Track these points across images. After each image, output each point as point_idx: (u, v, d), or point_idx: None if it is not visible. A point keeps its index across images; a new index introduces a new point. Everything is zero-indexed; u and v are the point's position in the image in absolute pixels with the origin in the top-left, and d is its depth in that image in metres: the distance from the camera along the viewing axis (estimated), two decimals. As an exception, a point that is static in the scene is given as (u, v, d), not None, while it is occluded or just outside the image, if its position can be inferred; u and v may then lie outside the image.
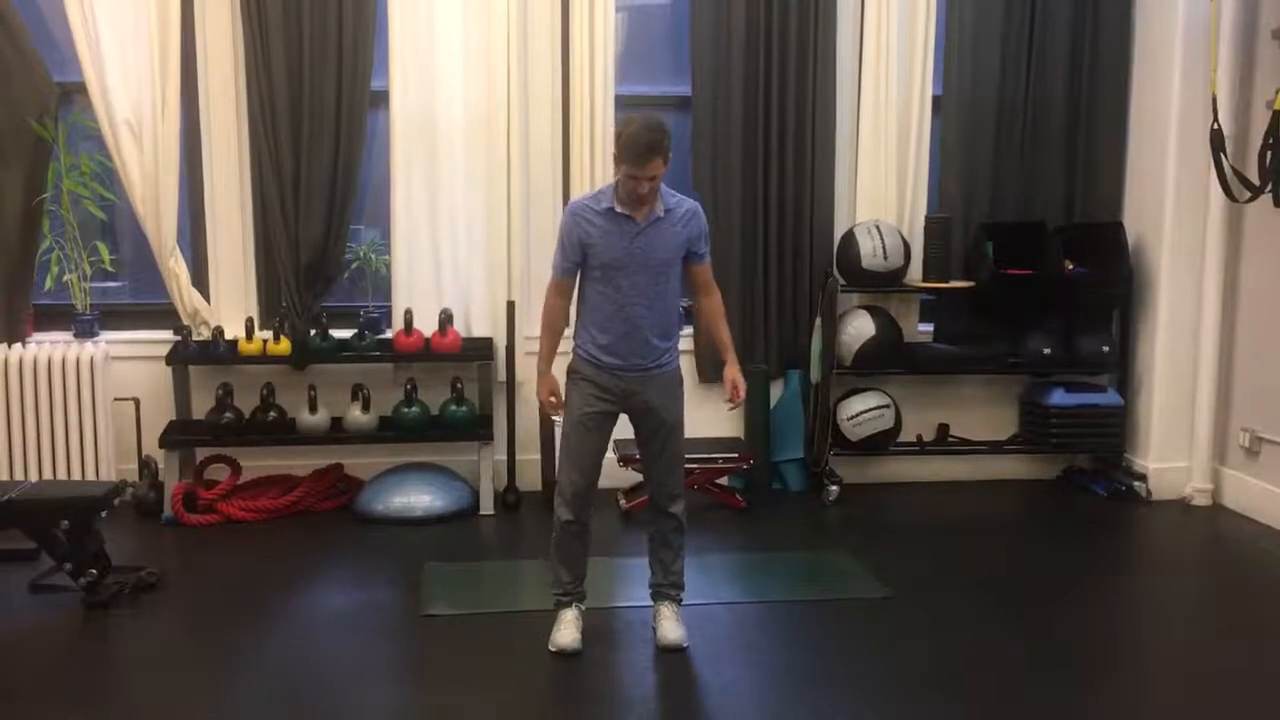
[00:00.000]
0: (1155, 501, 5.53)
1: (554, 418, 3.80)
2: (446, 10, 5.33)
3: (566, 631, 3.77)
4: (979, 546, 4.99)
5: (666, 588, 3.90)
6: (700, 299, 3.90)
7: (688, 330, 5.63)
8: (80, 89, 5.24)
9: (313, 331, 5.30)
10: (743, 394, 3.88)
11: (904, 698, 3.51)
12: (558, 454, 3.88)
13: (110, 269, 5.54)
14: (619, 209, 3.63)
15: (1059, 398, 5.64)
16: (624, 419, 3.83)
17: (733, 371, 3.86)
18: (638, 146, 3.48)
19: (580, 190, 5.41)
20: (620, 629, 3.98)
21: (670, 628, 3.82)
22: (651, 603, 3.94)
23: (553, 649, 3.74)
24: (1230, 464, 5.49)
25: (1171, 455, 5.59)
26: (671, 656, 3.76)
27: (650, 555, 3.93)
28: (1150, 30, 5.58)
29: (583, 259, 3.69)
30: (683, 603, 3.93)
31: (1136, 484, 5.57)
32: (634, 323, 3.66)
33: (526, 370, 5.41)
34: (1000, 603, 4.30)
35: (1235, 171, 5.06)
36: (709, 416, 5.58)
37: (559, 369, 3.83)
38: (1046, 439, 5.69)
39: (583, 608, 3.87)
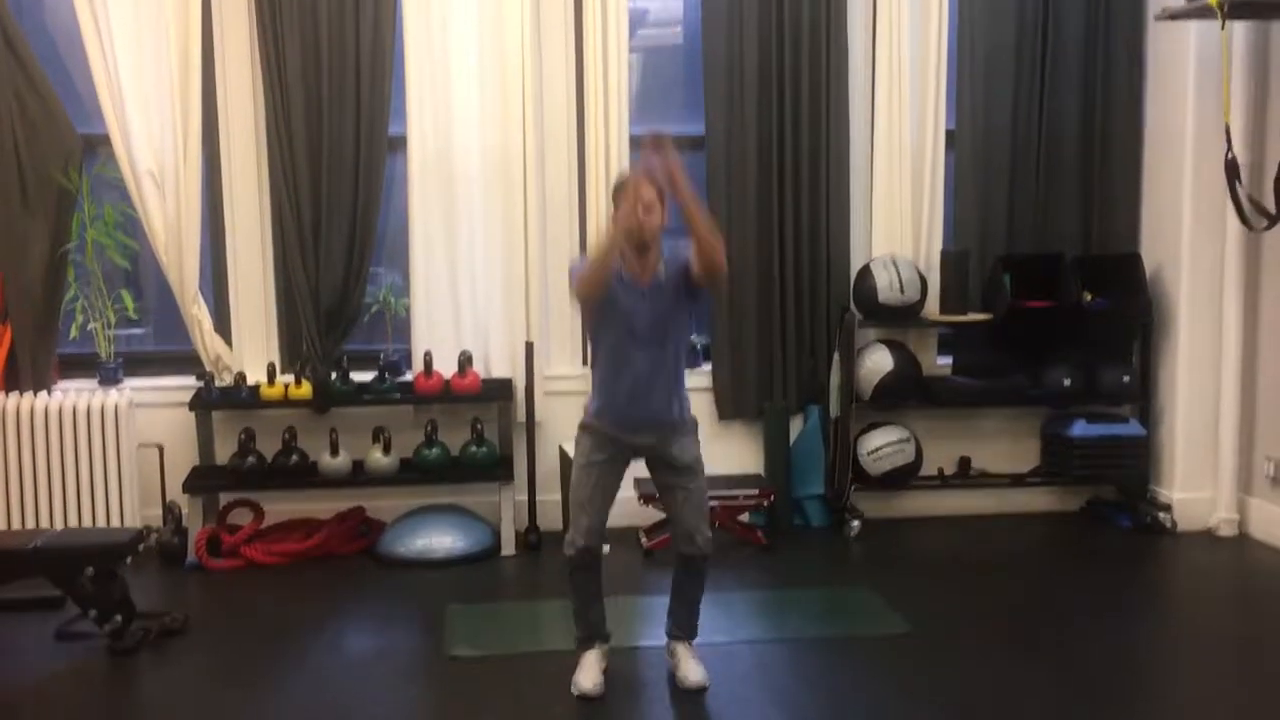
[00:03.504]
0: (1181, 532, 5.48)
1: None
2: (462, 56, 5.39)
3: (588, 675, 3.75)
4: (1003, 581, 4.96)
5: (687, 630, 3.90)
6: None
7: (705, 367, 5.65)
8: (104, 140, 5.32)
9: (333, 375, 5.33)
10: (664, 153, 3.53)
11: (930, 735, 3.49)
12: (569, 497, 3.89)
13: (134, 316, 5.60)
14: (626, 275, 3.67)
15: (1081, 429, 5.61)
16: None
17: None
18: (631, 175, 3.66)
19: (596, 229, 5.46)
20: (643, 668, 3.97)
21: (692, 668, 3.80)
22: (666, 637, 3.92)
23: (575, 692, 3.73)
24: (1256, 493, 5.44)
25: (1196, 485, 5.55)
26: (694, 696, 3.74)
27: (675, 597, 3.91)
28: (1162, 60, 5.59)
29: (596, 311, 3.72)
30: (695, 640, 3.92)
31: (1161, 515, 5.53)
32: (641, 384, 3.69)
33: (545, 410, 5.45)
34: (1025, 638, 4.27)
35: (1251, 200, 5.06)
36: (729, 453, 5.58)
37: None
38: (1069, 471, 5.66)
39: (606, 648, 3.85)
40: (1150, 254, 5.68)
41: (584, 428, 3.83)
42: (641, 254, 3.66)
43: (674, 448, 3.76)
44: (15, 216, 5.23)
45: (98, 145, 5.42)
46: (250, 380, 5.35)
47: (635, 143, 3.59)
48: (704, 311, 5.38)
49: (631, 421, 3.73)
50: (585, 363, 5.55)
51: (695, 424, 3.87)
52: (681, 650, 3.86)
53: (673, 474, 3.79)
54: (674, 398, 3.77)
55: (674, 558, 3.90)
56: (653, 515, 5.29)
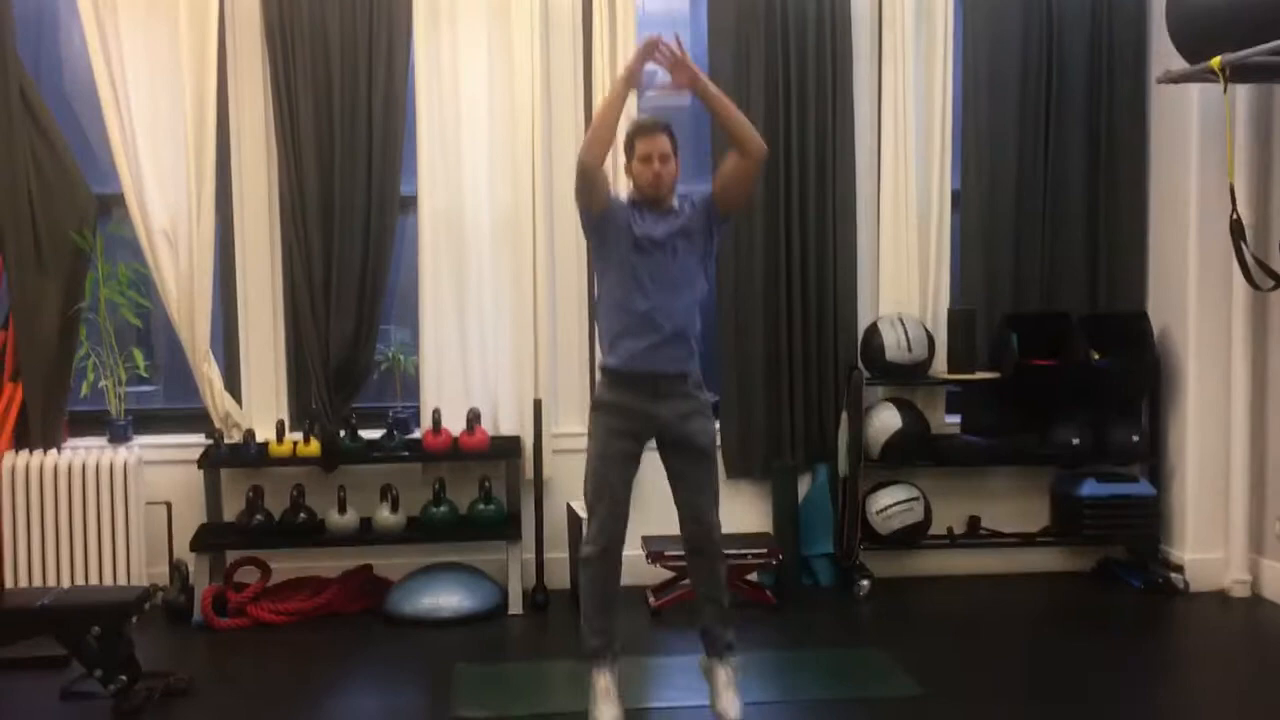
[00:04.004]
0: (1193, 593, 5.43)
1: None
2: (473, 116, 5.47)
3: (608, 709, 3.64)
4: (1014, 642, 4.92)
5: (720, 643, 3.78)
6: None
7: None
8: (118, 200, 5.39)
9: (342, 433, 5.34)
10: (675, 50, 3.68)
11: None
12: (585, 489, 3.80)
13: (145, 374, 5.62)
14: (639, 207, 3.72)
15: (1090, 488, 5.59)
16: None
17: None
18: (644, 123, 3.73)
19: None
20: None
21: (730, 701, 3.69)
22: (704, 653, 3.83)
23: None
24: (1268, 554, 5.40)
25: (1207, 545, 5.51)
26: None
27: (698, 602, 3.81)
28: (1165, 121, 5.65)
29: (600, 240, 3.73)
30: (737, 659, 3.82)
31: (1174, 575, 5.48)
32: (653, 316, 3.67)
33: (554, 468, 5.45)
34: (1037, 701, 4.22)
35: (1257, 260, 5.06)
36: (736, 512, 5.54)
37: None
38: (1079, 531, 5.63)
39: (617, 670, 3.73)
40: (1157, 313, 5.69)
41: (597, 406, 3.77)
42: (656, 207, 3.69)
43: (691, 425, 3.72)
44: (30, 275, 5.28)
45: (112, 205, 5.49)
46: (259, 438, 5.36)
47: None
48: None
49: (645, 366, 3.67)
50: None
51: (709, 404, 3.84)
52: (722, 675, 3.74)
53: (689, 459, 3.74)
54: (687, 339, 3.72)
55: (687, 551, 3.78)
56: (660, 574, 5.27)
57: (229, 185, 5.48)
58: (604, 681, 3.68)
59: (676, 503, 3.84)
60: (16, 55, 5.24)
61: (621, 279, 3.70)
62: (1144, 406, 5.75)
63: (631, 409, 3.70)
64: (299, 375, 5.59)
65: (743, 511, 5.63)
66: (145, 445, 5.43)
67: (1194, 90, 5.34)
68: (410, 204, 5.52)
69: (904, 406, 5.59)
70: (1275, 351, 5.36)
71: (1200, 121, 5.37)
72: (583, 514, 4.21)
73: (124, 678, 4.13)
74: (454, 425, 5.38)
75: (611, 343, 3.74)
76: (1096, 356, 5.57)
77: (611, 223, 3.71)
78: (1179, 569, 5.51)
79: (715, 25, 5.58)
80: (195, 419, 5.50)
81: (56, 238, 5.33)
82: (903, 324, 5.50)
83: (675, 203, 3.76)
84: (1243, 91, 5.26)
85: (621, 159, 4.00)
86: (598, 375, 3.84)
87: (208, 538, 5.25)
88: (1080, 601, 5.50)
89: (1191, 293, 5.48)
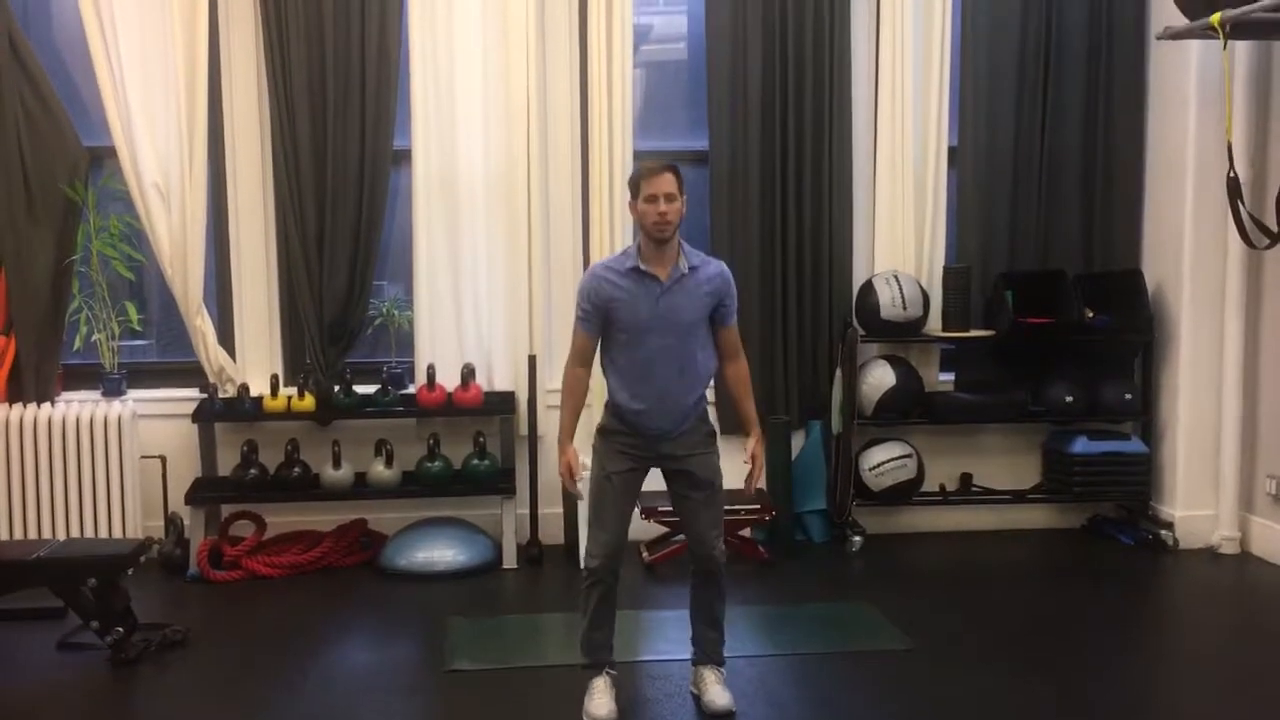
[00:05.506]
0: (1182, 550, 5.48)
1: (573, 492, 3.77)
2: (467, 70, 5.42)
3: (602, 701, 3.66)
4: (1004, 597, 4.95)
5: (714, 655, 3.83)
6: (725, 365, 3.82)
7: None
8: (110, 152, 5.35)
9: (336, 388, 5.34)
10: (760, 471, 3.87)
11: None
12: (584, 512, 3.84)
13: (138, 328, 5.61)
14: (644, 266, 3.59)
15: (1082, 446, 5.62)
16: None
17: (756, 447, 3.84)
18: (650, 165, 3.62)
19: (600, 244, 5.48)
20: (645, 685, 3.97)
21: (718, 693, 3.74)
22: (691, 663, 3.88)
23: None
24: (1257, 511, 5.44)
25: (1198, 503, 5.55)
26: (698, 712, 3.73)
27: (696, 618, 3.84)
28: (1164, 78, 5.62)
29: (606, 321, 3.65)
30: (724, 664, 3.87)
31: (1163, 532, 5.53)
32: (666, 387, 3.63)
33: (548, 424, 5.45)
34: (1027, 655, 4.26)
35: (1253, 218, 5.06)
36: (730, 468, 5.53)
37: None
38: (1070, 488, 5.66)
39: (614, 673, 3.77)
40: (1152, 271, 5.69)
41: (602, 432, 3.76)
42: (660, 246, 3.58)
43: (694, 463, 3.73)
44: (21, 228, 5.25)
45: (104, 158, 5.45)
46: (253, 392, 5.36)
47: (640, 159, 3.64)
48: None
49: (651, 416, 3.65)
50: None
51: (715, 435, 3.83)
52: (709, 675, 3.79)
53: (690, 488, 3.75)
54: (693, 388, 3.68)
55: (690, 571, 3.81)
56: (655, 530, 5.30)
57: (221, 139, 5.45)
58: (601, 683, 3.72)
59: (682, 528, 3.89)
60: (5, 3, 5.19)
61: (628, 344, 3.65)
62: (1137, 364, 5.77)
63: (634, 444, 3.71)
64: (293, 330, 5.58)
65: (736, 468, 5.61)
66: (139, 399, 5.42)
67: (1193, 47, 5.31)
68: (404, 158, 5.48)
69: (898, 364, 5.60)
70: (1269, 310, 5.37)
71: (1199, 79, 5.35)
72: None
73: (120, 629, 4.16)
74: (448, 381, 5.38)
75: (617, 390, 3.70)
76: (1090, 314, 5.58)
77: (616, 306, 3.63)
78: (1169, 526, 5.55)
79: (712, -21, 5.53)
80: (189, 373, 5.49)
81: (47, 189, 5.29)
82: (898, 281, 5.50)
83: (684, 264, 3.61)
84: (1241, 48, 5.23)
85: (625, 196, 4.04)
86: (605, 405, 3.79)
87: (202, 491, 5.26)
88: (1070, 558, 5.54)
89: (1187, 251, 5.48)
